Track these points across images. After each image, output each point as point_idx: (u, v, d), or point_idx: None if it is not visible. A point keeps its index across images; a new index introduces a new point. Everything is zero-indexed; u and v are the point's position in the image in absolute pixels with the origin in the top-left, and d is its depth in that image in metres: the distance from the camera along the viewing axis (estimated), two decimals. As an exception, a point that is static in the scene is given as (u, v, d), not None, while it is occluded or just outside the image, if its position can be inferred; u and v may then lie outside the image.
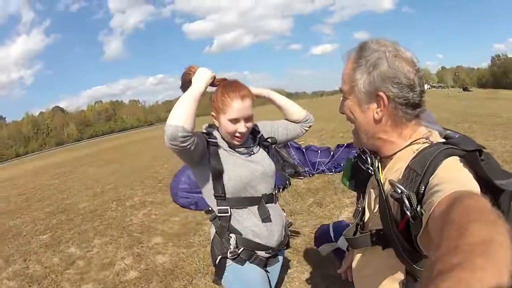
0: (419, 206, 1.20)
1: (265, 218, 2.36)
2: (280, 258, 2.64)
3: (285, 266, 2.70)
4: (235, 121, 2.26)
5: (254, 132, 2.52)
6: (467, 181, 1.13)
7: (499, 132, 13.49)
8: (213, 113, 2.38)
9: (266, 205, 2.40)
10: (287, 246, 2.71)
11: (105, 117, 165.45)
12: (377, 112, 1.43)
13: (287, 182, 8.42)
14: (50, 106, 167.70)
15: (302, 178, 9.26)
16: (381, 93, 1.38)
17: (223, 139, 2.38)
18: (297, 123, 2.65)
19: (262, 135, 2.54)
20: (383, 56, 1.38)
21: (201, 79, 2.20)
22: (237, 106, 2.23)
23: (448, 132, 1.49)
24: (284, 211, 2.69)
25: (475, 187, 1.11)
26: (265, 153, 2.53)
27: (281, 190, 7.98)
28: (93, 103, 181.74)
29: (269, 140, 2.56)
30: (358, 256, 1.70)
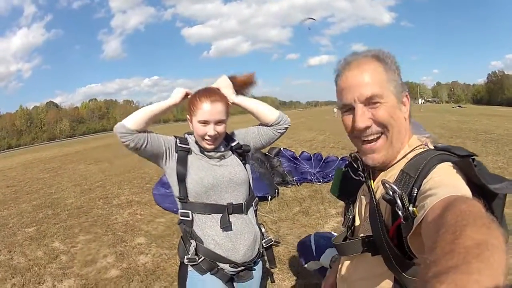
0: (411, 206, 1.19)
1: (226, 227, 2.34)
2: (256, 273, 2.57)
3: (266, 275, 2.71)
4: (204, 123, 2.30)
5: (228, 139, 2.54)
6: (460, 186, 1.14)
7: (491, 148, 13.76)
8: (187, 116, 2.43)
9: (234, 215, 2.39)
10: (271, 264, 2.68)
11: (99, 115, 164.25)
12: (405, 112, 1.46)
13: (276, 191, 8.45)
14: (45, 100, 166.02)
15: (289, 187, 9.32)
16: (406, 93, 1.46)
17: (196, 144, 2.43)
18: (270, 126, 2.58)
19: (238, 143, 2.53)
20: (394, 62, 1.46)
21: (172, 96, 2.45)
22: (206, 109, 2.28)
23: (439, 144, 1.49)
24: (263, 226, 2.66)
25: (468, 192, 1.12)
26: (237, 160, 2.52)
27: (269, 199, 8.09)
28: (88, 101, 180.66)
29: (242, 147, 2.54)
30: (346, 263, 1.68)
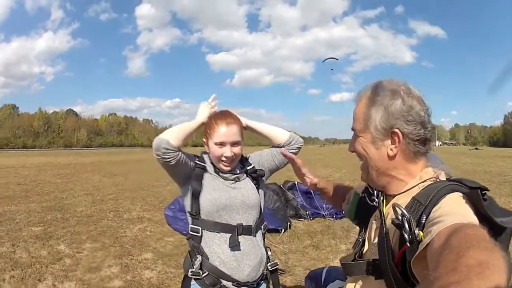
0: (417, 229, 1.23)
1: (234, 246, 2.38)
2: None
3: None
4: (221, 145, 2.39)
5: (244, 162, 2.64)
6: (468, 215, 1.18)
7: (505, 190, 13.81)
8: (203, 139, 2.53)
9: (243, 236, 2.44)
10: (269, 282, 2.68)
11: (117, 130, 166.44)
12: (391, 149, 1.49)
13: (288, 223, 8.44)
14: (64, 107, 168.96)
15: (302, 220, 9.29)
16: (396, 130, 1.45)
17: (212, 163, 2.52)
18: (282, 147, 2.66)
19: (253, 167, 2.62)
20: (397, 95, 1.47)
21: (201, 112, 2.57)
22: (222, 131, 2.39)
23: (453, 177, 1.50)
24: (270, 250, 2.69)
25: (475, 220, 1.15)
26: (251, 184, 2.58)
27: (282, 232, 8.05)
28: (107, 114, 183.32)
29: (257, 172, 2.62)
30: (350, 285, 1.71)
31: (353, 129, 1.62)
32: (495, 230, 1.16)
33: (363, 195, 1.80)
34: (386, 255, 1.41)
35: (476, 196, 1.24)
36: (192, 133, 2.47)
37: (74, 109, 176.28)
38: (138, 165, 30.64)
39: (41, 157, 42.21)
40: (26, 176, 19.47)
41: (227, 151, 2.39)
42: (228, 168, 2.47)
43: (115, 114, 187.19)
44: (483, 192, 1.27)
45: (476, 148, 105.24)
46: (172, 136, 2.30)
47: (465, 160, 35.47)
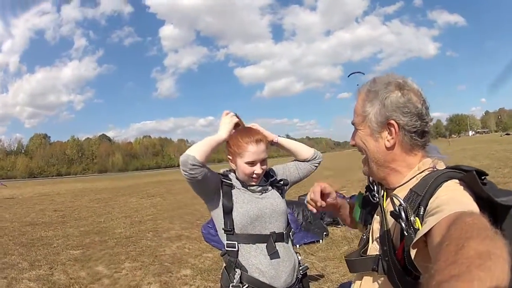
0: (413, 216, 1.29)
1: (273, 254, 2.49)
2: None
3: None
4: (251, 163, 2.54)
5: (267, 175, 2.79)
6: (466, 203, 1.20)
7: None
8: (229, 157, 2.67)
9: (277, 243, 2.55)
10: (302, 286, 2.77)
11: (152, 152, 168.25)
12: (388, 140, 1.55)
13: (324, 234, 8.53)
14: (97, 133, 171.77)
15: (339, 227, 9.33)
16: (392, 121, 1.51)
17: (238, 179, 2.66)
18: (307, 161, 2.91)
19: (275, 178, 2.79)
20: (393, 88, 1.54)
21: (224, 127, 2.62)
22: (252, 150, 2.52)
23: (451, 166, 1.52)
24: (300, 254, 2.80)
25: (474, 208, 1.17)
26: (277, 193, 2.74)
27: (321, 241, 8.18)
28: (141, 137, 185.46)
29: (281, 182, 2.77)
30: (357, 283, 1.75)
31: (353, 123, 1.71)
32: (499, 214, 1.18)
33: (366, 193, 1.84)
34: (387, 250, 1.47)
35: (472, 178, 1.26)
36: (216, 148, 2.55)
37: (107, 134, 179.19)
38: (175, 185, 30.92)
39: (77, 183, 43.14)
40: (62, 203, 20.02)
41: (258, 169, 2.55)
42: (255, 183, 2.63)
43: (149, 136, 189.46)
44: (483, 177, 1.29)
45: (508, 134, 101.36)
46: (198, 152, 2.38)
47: (497, 147, 34.43)
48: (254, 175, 2.55)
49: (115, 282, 6.39)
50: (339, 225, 9.41)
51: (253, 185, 2.63)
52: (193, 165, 2.33)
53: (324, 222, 9.23)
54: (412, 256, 1.23)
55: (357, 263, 1.71)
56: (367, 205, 1.84)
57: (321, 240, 8.22)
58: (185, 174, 2.38)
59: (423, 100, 1.54)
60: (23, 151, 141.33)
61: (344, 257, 1.87)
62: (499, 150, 30.17)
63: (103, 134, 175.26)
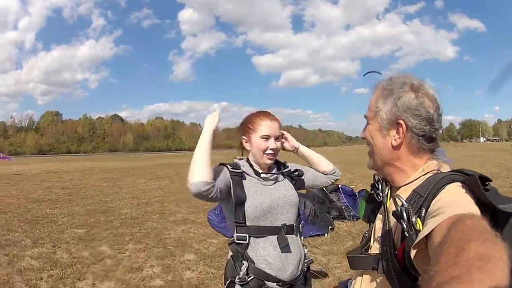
0: (414, 217, 1.28)
1: (284, 246, 2.50)
2: None
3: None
4: (266, 137, 2.58)
5: (280, 165, 2.81)
6: (468, 205, 1.19)
7: None
8: (244, 137, 2.70)
9: (288, 235, 2.55)
10: (305, 282, 2.77)
11: (164, 134, 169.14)
12: (395, 139, 1.55)
13: (330, 227, 8.59)
14: (109, 113, 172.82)
15: (345, 222, 9.41)
16: (401, 121, 1.51)
17: (251, 166, 2.67)
18: (325, 174, 2.96)
19: (289, 169, 2.80)
20: (408, 89, 1.53)
21: (206, 126, 2.59)
22: (267, 124, 2.59)
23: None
24: (306, 247, 2.80)
25: (475, 210, 1.16)
26: (290, 184, 2.76)
27: (326, 235, 8.24)
28: (154, 119, 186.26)
29: (296, 173, 2.78)
30: (358, 279, 1.76)
31: (365, 116, 1.72)
32: (500, 220, 1.18)
33: (371, 191, 1.82)
34: (388, 249, 1.47)
35: (475, 183, 1.26)
36: (211, 149, 2.48)
37: (119, 115, 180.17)
38: (184, 168, 30.65)
39: (86, 162, 43.51)
40: (69, 180, 20.23)
41: (272, 144, 2.58)
42: (271, 162, 2.64)
43: (161, 118, 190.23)
44: (486, 183, 1.29)
45: None
46: (202, 173, 2.30)
47: (507, 157, 34.43)
48: (269, 151, 2.58)
49: (118, 263, 6.41)
50: (345, 219, 9.52)
51: (266, 173, 2.65)
52: (208, 189, 2.28)
53: (331, 216, 9.32)
54: (412, 256, 1.23)
55: (359, 261, 1.73)
56: (372, 203, 1.82)
57: (326, 234, 8.27)
58: (202, 199, 2.37)
59: (437, 106, 1.55)
60: (34, 128, 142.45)
61: (346, 253, 1.87)
62: (509, 160, 30.37)
63: (115, 114, 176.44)
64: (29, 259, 6.35)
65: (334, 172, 2.96)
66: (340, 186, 10.55)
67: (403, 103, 1.51)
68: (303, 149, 2.94)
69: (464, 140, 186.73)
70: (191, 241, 7.94)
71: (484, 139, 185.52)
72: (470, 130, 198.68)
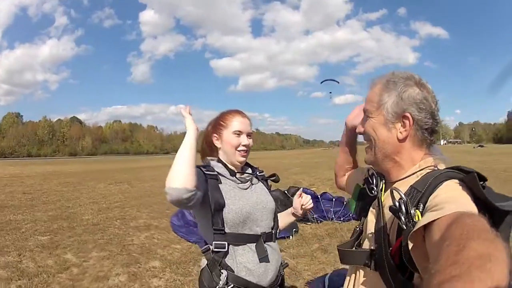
0: (413, 209, 1.28)
1: (263, 257, 2.39)
2: None
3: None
4: (239, 133, 2.48)
5: (253, 167, 2.72)
6: (466, 203, 1.20)
7: (511, 187, 13.68)
8: (214, 135, 2.54)
9: (267, 243, 2.45)
10: (281, 286, 2.70)
11: (122, 137, 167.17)
12: (401, 132, 1.55)
13: (294, 230, 8.54)
14: (69, 115, 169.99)
15: (309, 224, 9.41)
16: (408, 114, 1.52)
17: (225, 167, 2.49)
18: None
19: (264, 174, 2.74)
20: (412, 83, 1.55)
21: (190, 125, 2.26)
22: (239, 120, 2.51)
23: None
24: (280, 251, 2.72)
25: (473, 208, 1.17)
26: (265, 189, 2.65)
27: (291, 237, 8.24)
28: (112, 122, 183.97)
29: (273, 178, 2.74)
30: (350, 276, 1.75)
31: (364, 110, 1.69)
32: (496, 218, 1.18)
33: (364, 185, 1.83)
34: (382, 245, 1.46)
35: (473, 180, 1.26)
36: (195, 151, 2.18)
37: (78, 117, 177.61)
38: (143, 172, 30.74)
39: (46, 166, 42.46)
40: (31, 185, 19.68)
41: (245, 140, 2.50)
42: (244, 159, 2.53)
43: (119, 121, 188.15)
44: (482, 182, 1.28)
45: (481, 146, 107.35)
46: (186, 178, 2.03)
47: (471, 158, 35.73)
48: (242, 147, 2.48)
49: (84, 272, 6.25)
50: (308, 222, 9.48)
51: (242, 173, 2.54)
52: (189, 197, 2.03)
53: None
54: (410, 248, 1.21)
55: (349, 255, 1.72)
56: (364, 197, 1.82)
57: (291, 236, 8.24)
58: (180, 207, 2.17)
59: (436, 101, 1.57)
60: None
61: (337, 246, 1.86)
62: (472, 161, 31.36)
63: (74, 116, 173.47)
64: (-4, 269, 6.13)
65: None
66: (302, 188, 10.51)
67: (408, 96, 1.52)
68: (282, 220, 2.81)
69: None
70: (155, 247, 7.83)
71: (445, 141, 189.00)
72: None
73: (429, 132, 1.55)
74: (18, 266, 6.30)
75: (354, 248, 1.74)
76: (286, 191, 10.07)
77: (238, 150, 2.48)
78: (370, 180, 1.73)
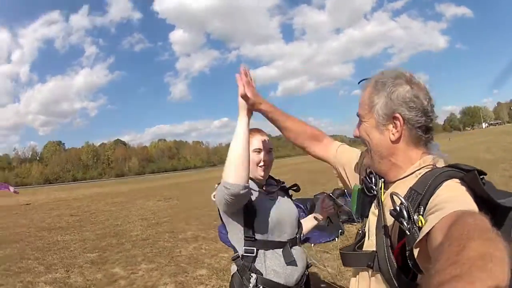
0: (416, 215, 1.27)
1: (290, 262, 2.52)
2: None
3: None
4: (258, 151, 2.64)
5: (275, 180, 2.87)
6: (467, 202, 1.21)
7: None
8: None
9: (293, 248, 2.61)
10: (307, 284, 2.84)
11: (168, 155, 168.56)
12: (393, 133, 1.56)
13: (340, 231, 8.58)
14: (112, 138, 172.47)
15: (355, 224, 9.30)
16: (398, 115, 1.53)
17: (252, 180, 2.62)
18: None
19: (285, 185, 2.88)
20: (401, 81, 1.56)
21: (241, 120, 2.30)
22: (259, 138, 2.66)
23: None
24: (306, 251, 2.92)
25: (474, 207, 1.18)
26: (287, 198, 2.83)
27: (337, 239, 8.28)
28: (157, 141, 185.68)
29: (294, 188, 2.92)
30: (353, 280, 1.77)
31: (358, 114, 1.72)
32: (498, 215, 1.19)
33: (362, 186, 1.82)
34: (384, 247, 1.47)
35: (474, 178, 1.27)
36: (247, 144, 2.26)
37: (122, 139, 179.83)
38: (191, 186, 31.05)
39: (93, 188, 43.47)
40: (78, 207, 20.25)
41: (265, 157, 2.65)
42: (264, 174, 2.66)
43: (164, 140, 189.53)
44: (481, 176, 1.29)
45: None
46: (240, 174, 2.18)
47: (510, 139, 34.40)
48: (262, 163, 2.63)
49: (132, 283, 6.50)
50: (354, 222, 9.43)
51: (268, 186, 2.72)
52: (246, 193, 2.22)
53: (340, 220, 9.23)
54: (415, 255, 1.21)
55: (351, 257, 1.74)
56: (364, 198, 1.80)
57: (336, 238, 8.28)
58: (233, 204, 2.28)
59: (429, 98, 1.56)
60: (37, 158, 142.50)
61: (339, 249, 1.88)
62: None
63: (118, 139, 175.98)
64: (44, 284, 6.46)
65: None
66: (345, 190, 10.46)
67: (397, 96, 1.53)
68: (306, 224, 3.03)
69: (467, 128, 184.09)
70: (203, 257, 8.00)
71: (487, 124, 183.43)
72: (471, 117, 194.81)
73: (423, 130, 1.56)
74: (65, 281, 6.60)
75: (355, 250, 1.75)
76: (331, 194, 10.03)
77: (259, 166, 2.64)
78: (369, 180, 1.74)
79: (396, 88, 1.54)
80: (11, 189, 25.84)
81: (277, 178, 2.91)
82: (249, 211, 2.46)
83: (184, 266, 7.41)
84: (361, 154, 2.05)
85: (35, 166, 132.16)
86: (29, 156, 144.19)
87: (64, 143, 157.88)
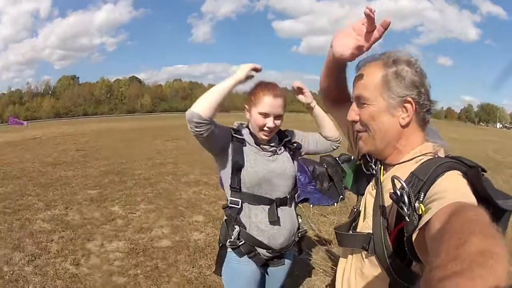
0: (417, 202, 1.24)
1: (273, 221, 2.55)
2: (286, 261, 2.83)
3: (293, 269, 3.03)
4: (265, 115, 2.52)
5: (281, 135, 2.79)
6: (467, 194, 1.20)
7: None
8: (246, 106, 2.66)
9: (280, 207, 2.62)
10: (299, 252, 2.93)
11: (182, 95, 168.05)
12: (403, 118, 1.52)
13: (340, 197, 8.69)
14: (127, 75, 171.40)
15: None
16: (410, 99, 1.49)
17: (251, 135, 2.65)
18: (328, 139, 2.91)
19: (290, 139, 2.80)
20: (412, 67, 1.51)
21: (237, 71, 2.48)
22: (268, 101, 2.51)
23: (451, 155, 1.53)
24: (300, 217, 2.87)
25: (474, 201, 1.17)
26: (288, 156, 2.75)
27: (336, 204, 8.29)
28: (172, 80, 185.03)
29: (296, 144, 2.80)
30: (344, 258, 1.76)
31: (358, 96, 1.62)
32: (495, 213, 1.17)
33: (360, 162, 1.82)
34: (380, 230, 1.46)
35: (476, 175, 1.26)
36: (226, 95, 2.42)
37: (137, 76, 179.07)
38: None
39: (102, 123, 43.69)
40: (85, 142, 20.39)
41: (270, 122, 2.53)
42: (267, 138, 2.62)
43: (180, 80, 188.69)
44: (481, 173, 1.29)
45: None
46: (203, 107, 2.32)
47: None
48: (266, 128, 2.54)
49: (128, 223, 6.61)
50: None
51: (265, 144, 2.65)
52: (198, 122, 2.29)
53: (343, 185, 9.02)
54: (413, 241, 1.23)
55: (347, 238, 1.72)
56: (361, 174, 1.80)
57: (336, 203, 8.30)
58: (191, 131, 2.36)
59: (428, 82, 1.55)
60: (50, 93, 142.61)
61: (334, 228, 1.86)
62: None
63: (133, 76, 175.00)
64: (41, 222, 6.53)
65: (338, 139, 2.91)
66: (352, 157, 10.36)
67: (409, 80, 1.49)
68: (318, 110, 2.84)
69: (481, 124, 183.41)
70: (201, 203, 8.11)
71: (501, 125, 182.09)
72: (487, 114, 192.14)
73: (428, 113, 1.55)
74: (63, 219, 6.70)
75: (351, 230, 1.74)
76: (337, 158, 9.99)
77: (262, 130, 2.56)
78: (368, 157, 1.73)
79: (408, 71, 1.51)
80: (24, 123, 25.87)
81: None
82: (237, 162, 2.53)
83: (182, 210, 7.53)
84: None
85: (46, 100, 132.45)
86: (42, 91, 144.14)
87: (78, 78, 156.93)
